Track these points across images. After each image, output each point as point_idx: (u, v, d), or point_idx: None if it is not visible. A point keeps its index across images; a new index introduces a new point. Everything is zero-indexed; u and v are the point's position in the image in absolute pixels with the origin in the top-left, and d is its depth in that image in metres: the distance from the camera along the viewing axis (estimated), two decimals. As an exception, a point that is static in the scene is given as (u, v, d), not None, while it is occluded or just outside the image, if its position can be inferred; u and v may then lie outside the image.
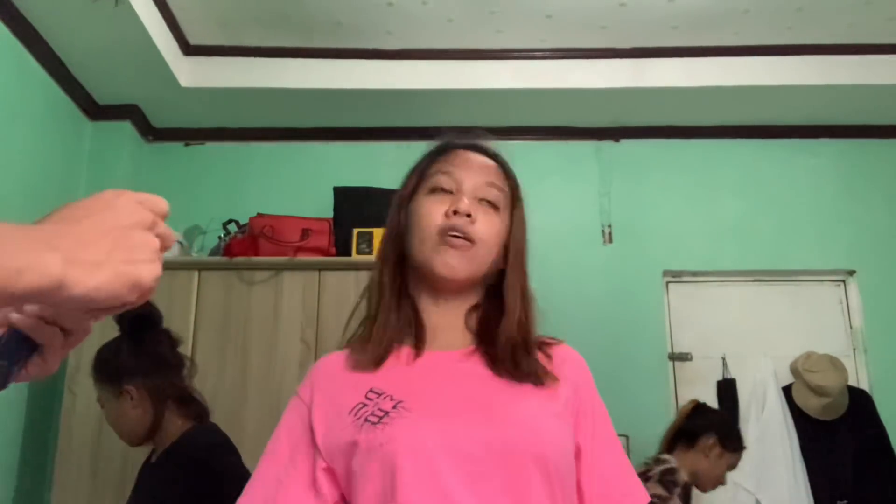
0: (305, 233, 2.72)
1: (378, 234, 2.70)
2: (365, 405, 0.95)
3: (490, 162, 1.11)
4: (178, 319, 2.57)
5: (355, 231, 2.71)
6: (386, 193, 2.94)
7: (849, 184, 3.24)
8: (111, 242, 0.54)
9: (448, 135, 1.15)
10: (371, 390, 0.97)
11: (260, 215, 2.77)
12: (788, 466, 2.77)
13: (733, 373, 3.03)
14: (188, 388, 1.88)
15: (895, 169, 3.27)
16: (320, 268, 2.65)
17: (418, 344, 1.02)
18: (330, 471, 0.95)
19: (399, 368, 1.00)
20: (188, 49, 2.93)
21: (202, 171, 3.24)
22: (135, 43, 2.58)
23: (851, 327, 3.13)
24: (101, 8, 2.37)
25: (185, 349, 2.55)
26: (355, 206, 2.86)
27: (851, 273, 3.17)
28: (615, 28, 2.85)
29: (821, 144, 3.29)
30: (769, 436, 2.84)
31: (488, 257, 1.04)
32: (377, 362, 1.00)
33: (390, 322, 1.04)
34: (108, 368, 1.82)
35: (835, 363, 2.88)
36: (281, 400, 2.51)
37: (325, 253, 2.74)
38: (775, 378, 2.95)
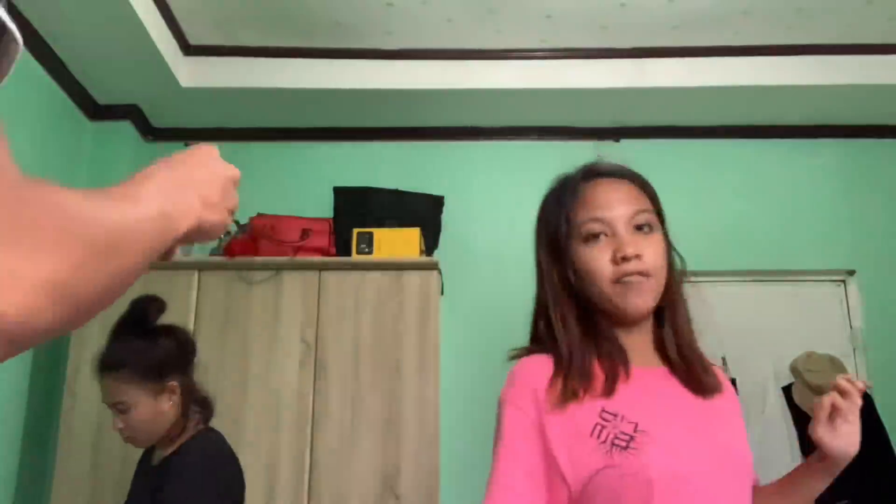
0: (305, 233, 2.72)
1: (378, 234, 2.70)
2: (603, 427, 0.99)
3: (631, 185, 1.13)
4: (178, 319, 2.56)
5: (355, 231, 2.71)
6: (386, 193, 2.97)
7: (849, 184, 3.24)
8: (221, 190, 0.67)
9: (579, 169, 1.17)
10: (604, 410, 1.00)
11: (260, 215, 2.77)
12: (788, 466, 2.76)
13: (733, 373, 3.03)
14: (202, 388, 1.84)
15: (895, 169, 3.27)
16: (320, 268, 2.65)
17: (626, 363, 1.07)
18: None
19: (619, 385, 1.04)
20: (188, 49, 2.93)
21: (202, 171, 3.24)
22: (135, 43, 2.58)
23: (851, 327, 3.13)
24: (101, 8, 2.37)
25: (185, 349, 2.56)
26: (355, 206, 2.87)
27: (851, 273, 3.17)
28: (615, 28, 2.84)
29: (821, 144, 3.29)
30: (769, 436, 2.84)
31: (663, 280, 1.11)
32: (580, 392, 1.03)
33: (585, 365, 1.06)
34: (152, 362, 1.67)
35: (835, 363, 2.88)
36: (281, 400, 2.51)
37: (325, 253, 2.74)
38: (775, 378, 2.95)
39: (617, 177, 1.14)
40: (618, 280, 1.06)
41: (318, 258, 2.69)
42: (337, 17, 2.78)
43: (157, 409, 1.68)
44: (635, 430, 0.98)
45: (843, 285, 3.19)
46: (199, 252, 2.86)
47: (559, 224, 1.12)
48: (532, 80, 2.99)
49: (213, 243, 2.81)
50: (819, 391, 2.84)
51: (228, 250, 2.69)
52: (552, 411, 1.01)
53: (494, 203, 3.18)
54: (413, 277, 2.62)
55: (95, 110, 3.00)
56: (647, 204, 1.12)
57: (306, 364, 2.54)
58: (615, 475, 0.95)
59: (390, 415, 2.48)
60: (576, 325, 1.09)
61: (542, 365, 1.07)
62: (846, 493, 2.79)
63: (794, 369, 2.99)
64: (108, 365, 1.68)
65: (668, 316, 1.13)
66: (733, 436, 1.07)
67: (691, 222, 3.20)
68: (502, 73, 2.99)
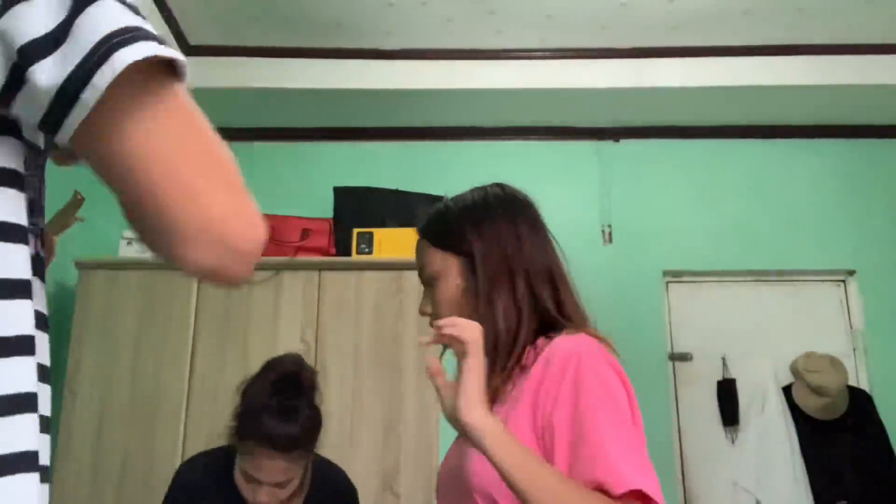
0: (305, 233, 2.72)
1: (378, 234, 2.70)
2: None
3: (421, 241, 1.20)
4: (179, 319, 2.57)
5: (355, 231, 2.71)
6: (386, 193, 2.97)
7: (849, 184, 3.24)
8: None
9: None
10: None
11: (260, 215, 2.77)
12: (788, 466, 2.77)
13: (733, 373, 3.03)
14: None
15: (895, 169, 3.27)
16: (320, 268, 2.65)
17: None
18: None
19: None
20: (188, 49, 2.92)
21: (202, 171, 3.24)
22: (135, 43, 2.58)
23: (851, 327, 3.13)
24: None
25: (185, 349, 2.56)
26: (355, 206, 2.87)
27: (852, 273, 3.17)
28: (615, 28, 2.85)
29: (821, 144, 3.29)
30: (769, 436, 2.83)
31: (468, 317, 1.12)
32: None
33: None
34: (316, 437, 1.59)
35: (835, 363, 2.88)
36: (281, 400, 2.51)
37: (325, 253, 2.74)
38: (775, 378, 2.95)
39: (419, 233, 1.21)
40: None
41: (318, 258, 2.69)
42: (337, 17, 2.78)
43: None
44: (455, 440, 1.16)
45: (843, 285, 3.19)
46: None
47: None
48: (532, 80, 2.99)
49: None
50: (819, 391, 2.84)
51: (228, 250, 2.69)
52: None
53: (494, 203, 3.18)
54: (413, 277, 2.59)
55: (95, 110, 3.00)
56: (429, 257, 1.16)
57: (306, 364, 2.54)
58: None
59: (390, 415, 2.48)
60: None
61: None
62: (846, 493, 2.80)
63: (794, 369, 2.99)
64: (288, 446, 1.51)
65: None
66: (470, 452, 1.00)
67: (692, 222, 3.20)
68: (502, 73, 2.99)
